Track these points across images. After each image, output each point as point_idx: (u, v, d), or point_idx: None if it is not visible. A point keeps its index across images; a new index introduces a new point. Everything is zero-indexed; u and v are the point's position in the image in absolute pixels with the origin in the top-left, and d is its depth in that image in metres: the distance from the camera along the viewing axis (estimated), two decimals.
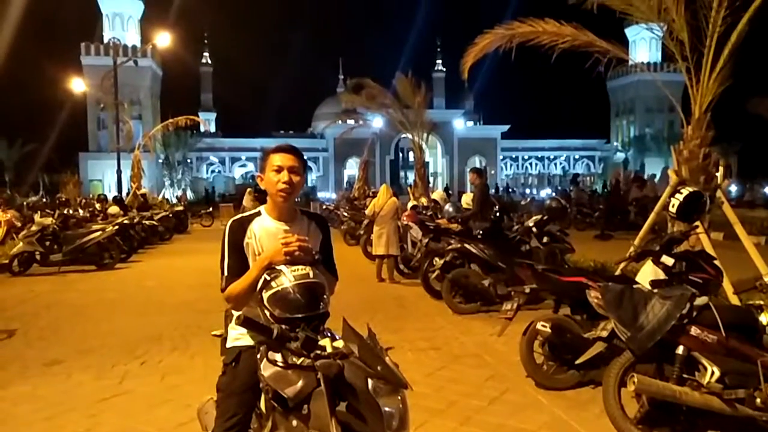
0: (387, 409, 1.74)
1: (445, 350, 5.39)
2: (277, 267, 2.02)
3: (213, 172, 61.02)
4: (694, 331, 3.20)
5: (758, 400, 3.09)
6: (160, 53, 46.34)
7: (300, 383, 1.89)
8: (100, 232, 10.93)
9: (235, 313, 2.41)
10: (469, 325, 6.30)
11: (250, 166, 61.08)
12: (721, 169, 6.62)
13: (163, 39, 25.20)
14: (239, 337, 2.35)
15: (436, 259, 7.31)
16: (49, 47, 63.26)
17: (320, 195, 43.34)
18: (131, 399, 4.24)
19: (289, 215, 2.37)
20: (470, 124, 65.35)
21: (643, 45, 56.29)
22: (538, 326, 4.16)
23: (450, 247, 7.11)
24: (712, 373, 3.10)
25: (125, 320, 6.84)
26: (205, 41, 73.52)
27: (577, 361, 3.72)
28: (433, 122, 21.21)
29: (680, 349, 3.22)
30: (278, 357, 1.93)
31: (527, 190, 55.69)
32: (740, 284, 4.76)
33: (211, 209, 24.66)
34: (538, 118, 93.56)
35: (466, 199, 9.53)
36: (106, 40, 52.31)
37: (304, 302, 1.94)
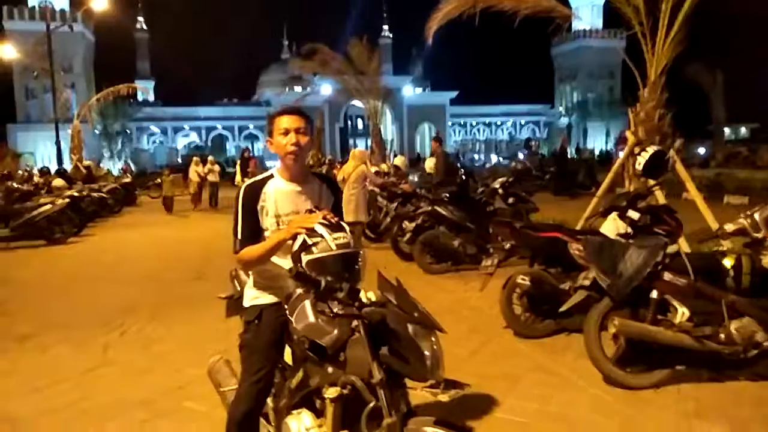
0: (425, 351, 1.87)
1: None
2: (318, 231, 2.02)
3: (154, 142, 58.65)
4: (667, 276, 3.47)
5: (722, 336, 3.42)
6: (92, 18, 43.56)
7: (335, 332, 1.98)
8: (50, 206, 10.46)
9: (249, 277, 2.46)
10: (443, 283, 6.52)
11: (193, 136, 59.05)
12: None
13: (98, 2, 23.75)
14: (258, 296, 2.41)
15: (406, 222, 7.46)
16: None
17: (269, 164, 42.51)
18: (119, 369, 4.21)
19: (302, 177, 2.39)
20: (419, 90, 65.30)
21: (586, 12, 57.48)
22: (518, 280, 4.39)
23: (421, 210, 7.27)
24: (683, 313, 3.40)
25: (91, 294, 6.67)
26: (139, 5, 69.61)
27: (561, 309, 3.96)
28: (386, 88, 21.20)
29: (654, 293, 3.49)
30: (322, 307, 2.02)
31: (475, 156, 56.56)
32: (695, 236, 5.13)
33: (159, 180, 23.80)
34: (485, 85, 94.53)
35: (429, 164, 9.72)
36: (31, 4, 48.77)
37: (342, 272, 2.00)
